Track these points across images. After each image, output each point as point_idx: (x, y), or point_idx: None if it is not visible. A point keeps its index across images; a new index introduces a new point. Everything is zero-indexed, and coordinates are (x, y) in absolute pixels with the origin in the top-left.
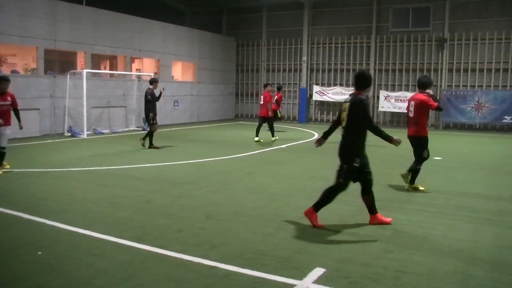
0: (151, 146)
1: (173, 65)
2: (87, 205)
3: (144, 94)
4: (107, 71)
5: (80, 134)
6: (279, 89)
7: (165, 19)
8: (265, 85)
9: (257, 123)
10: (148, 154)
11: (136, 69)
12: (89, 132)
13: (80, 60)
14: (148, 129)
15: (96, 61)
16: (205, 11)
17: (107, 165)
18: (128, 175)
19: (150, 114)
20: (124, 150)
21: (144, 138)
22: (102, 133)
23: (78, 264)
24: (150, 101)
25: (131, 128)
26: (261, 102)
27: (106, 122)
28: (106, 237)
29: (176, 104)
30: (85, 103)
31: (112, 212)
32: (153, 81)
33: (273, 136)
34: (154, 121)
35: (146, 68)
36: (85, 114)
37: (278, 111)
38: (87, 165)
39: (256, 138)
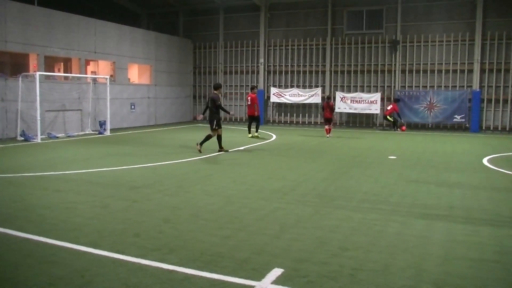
0: (221, 149)
1: (129, 68)
2: (41, 211)
3: (209, 99)
4: (61, 74)
5: (34, 138)
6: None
7: (120, 21)
8: (252, 88)
9: None
10: (103, 158)
11: (92, 72)
12: (43, 136)
13: (33, 62)
14: (207, 134)
15: (49, 63)
16: (161, 13)
17: (62, 170)
18: (84, 180)
19: (215, 119)
20: (80, 154)
21: (201, 144)
22: (57, 137)
23: (32, 272)
24: (219, 106)
25: (87, 132)
26: (249, 103)
27: (61, 126)
28: (61, 243)
29: (133, 107)
30: (38, 107)
31: (67, 218)
32: (219, 87)
33: (257, 131)
34: (217, 127)
35: (101, 70)
36: (38, 117)
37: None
38: (41, 170)
39: (250, 135)
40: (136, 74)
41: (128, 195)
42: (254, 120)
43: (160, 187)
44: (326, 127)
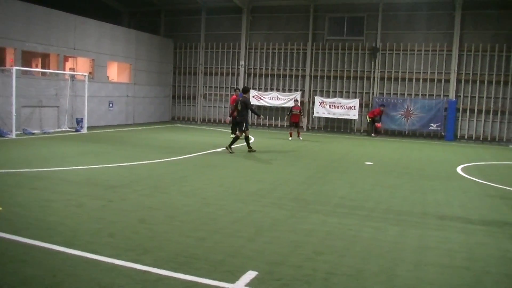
0: (250, 150)
1: (109, 66)
2: (14, 209)
3: (240, 102)
4: (39, 69)
5: (9, 134)
6: (236, 90)
7: (101, 18)
8: (236, 89)
9: (193, 126)
10: (80, 156)
11: (70, 68)
12: (18, 132)
13: (10, 56)
14: (235, 135)
15: (27, 58)
16: (143, 12)
17: (37, 167)
18: (59, 178)
19: (245, 121)
20: (56, 151)
21: (230, 146)
22: (33, 134)
23: (3, 271)
24: (252, 109)
25: (64, 129)
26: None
27: (37, 122)
28: (34, 242)
29: (111, 105)
30: (14, 102)
31: (41, 217)
32: (248, 90)
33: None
34: (246, 128)
35: (80, 67)
36: (14, 113)
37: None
38: (15, 167)
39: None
40: (115, 72)
41: (103, 194)
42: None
43: (136, 187)
44: (291, 130)
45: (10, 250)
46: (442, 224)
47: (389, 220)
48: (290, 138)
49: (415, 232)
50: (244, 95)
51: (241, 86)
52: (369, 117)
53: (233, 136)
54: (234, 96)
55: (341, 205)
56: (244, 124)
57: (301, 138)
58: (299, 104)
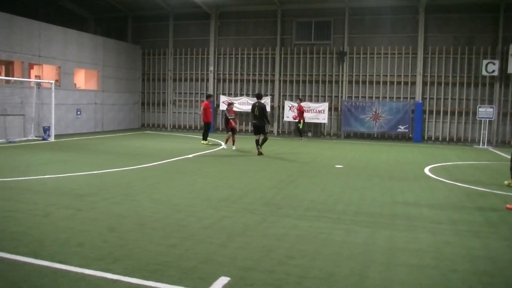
0: (259, 153)
1: (76, 73)
2: None
3: (258, 108)
4: (2, 77)
5: None
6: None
7: (67, 24)
8: (207, 96)
9: (163, 133)
10: (46, 165)
11: (36, 76)
12: None
13: None
14: (263, 138)
15: None
16: (109, 18)
17: (1, 177)
18: (24, 188)
19: (265, 125)
20: (21, 161)
21: (260, 146)
22: None
23: None
24: (266, 115)
25: (30, 138)
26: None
27: (2, 131)
28: None
29: (79, 113)
30: None
31: (5, 227)
32: (262, 96)
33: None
34: (265, 132)
35: (46, 75)
36: None
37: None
38: None
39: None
40: (82, 79)
41: (71, 203)
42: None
43: (105, 195)
44: (228, 136)
45: None
46: (411, 224)
47: (360, 222)
48: (224, 146)
49: (385, 233)
50: (260, 100)
51: (211, 92)
52: (295, 119)
53: (204, 142)
54: (206, 102)
55: (312, 208)
56: (268, 126)
57: (234, 148)
58: (234, 108)
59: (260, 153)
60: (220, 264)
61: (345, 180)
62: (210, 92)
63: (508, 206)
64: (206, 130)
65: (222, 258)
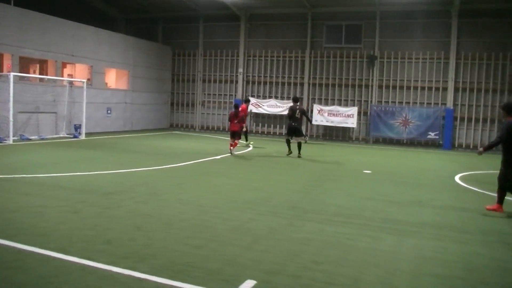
0: (295, 155)
1: (107, 72)
2: (8, 215)
3: (300, 111)
4: (36, 75)
5: (5, 140)
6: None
7: (99, 25)
8: (246, 100)
9: (191, 134)
10: (76, 163)
11: (68, 75)
12: (15, 138)
13: (7, 62)
14: (298, 142)
15: (24, 64)
16: (140, 19)
17: (32, 173)
18: (55, 184)
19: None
20: (52, 157)
21: (299, 152)
22: (30, 139)
23: None
24: (307, 116)
25: (61, 135)
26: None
27: (34, 128)
28: (28, 248)
29: (109, 111)
30: (11, 108)
31: (35, 223)
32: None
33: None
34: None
35: (78, 74)
36: (11, 118)
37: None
38: (11, 172)
39: (246, 142)
40: (113, 78)
41: (99, 201)
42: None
43: (132, 194)
44: (231, 141)
45: (2, 256)
46: (439, 233)
47: (387, 230)
48: (232, 152)
49: (412, 242)
50: (298, 104)
51: (239, 94)
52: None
53: (245, 143)
54: (244, 106)
55: (339, 214)
56: (301, 131)
57: (232, 153)
58: (240, 109)
59: (299, 156)
60: (245, 267)
61: (373, 186)
62: (238, 93)
63: (488, 207)
64: (245, 132)
65: (247, 261)
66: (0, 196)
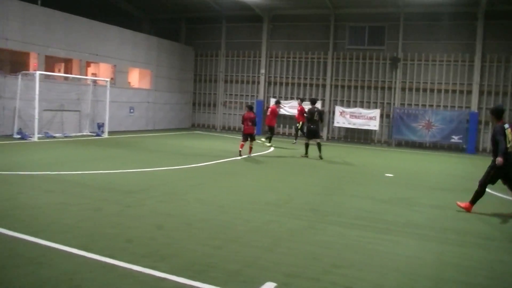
0: (305, 155)
1: (130, 72)
2: (32, 211)
3: (318, 112)
4: (61, 74)
5: (30, 137)
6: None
7: (122, 24)
8: (276, 101)
9: (213, 134)
10: (99, 161)
11: (92, 74)
12: (40, 135)
13: (33, 61)
14: (317, 143)
15: (49, 63)
16: (164, 19)
17: (56, 170)
18: (77, 182)
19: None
20: (75, 155)
21: (320, 153)
22: (54, 137)
23: (18, 273)
24: (323, 118)
25: (85, 133)
26: (268, 114)
27: (59, 125)
28: (50, 244)
29: (131, 110)
30: (37, 106)
31: (59, 219)
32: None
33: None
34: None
35: (102, 73)
36: (36, 116)
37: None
38: (35, 169)
39: (268, 144)
40: (136, 78)
41: (121, 199)
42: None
43: (154, 193)
44: (243, 143)
45: (27, 251)
46: (462, 239)
47: (408, 234)
48: (243, 155)
49: (434, 247)
50: (315, 106)
51: (261, 95)
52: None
53: (266, 144)
54: (274, 107)
55: (360, 217)
56: (318, 133)
57: (251, 155)
58: (254, 110)
59: (320, 157)
60: (265, 269)
61: (395, 189)
62: (260, 94)
63: (459, 203)
64: (271, 132)
65: (267, 263)
66: (24, 193)
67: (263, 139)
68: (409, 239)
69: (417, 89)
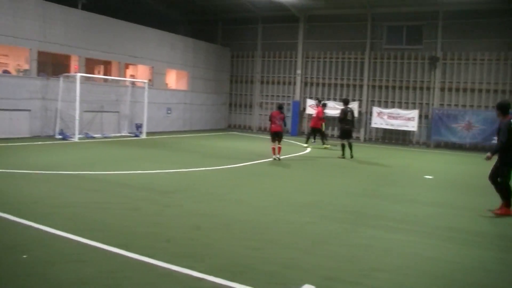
0: (345, 156)
1: (167, 73)
2: (75, 210)
3: (350, 112)
4: (101, 76)
5: (71, 137)
6: (323, 104)
7: (159, 26)
8: (320, 101)
9: (249, 135)
10: (137, 161)
11: (131, 75)
12: (80, 136)
13: (74, 63)
14: (349, 143)
15: (89, 65)
16: (200, 21)
17: (97, 170)
18: (117, 182)
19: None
20: (115, 155)
21: (352, 152)
22: (94, 137)
23: (62, 270)
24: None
25: (123, 134)
26: (314, 116)
27: (98, 126)
28: (92, 243)
29: (169, 111)
30: (78, 107)
31: (100, 218)
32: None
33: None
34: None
35: (140, 74)
36: (77, 117)
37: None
38: (77, 169)
39: (305, 145)
40: (173, 79)
41: (160, 199)
42: (316, 132)
43: (191, 193)
44: (273, 145)
45: (69, 249)
46: (504, 245)
47: (451, 239)
48: (274, 157)
49: (477, 253)
50: (348, 106)
51: (297, 96)
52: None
53: (322, 146)
54: (319, 109)
55: (399, 220)
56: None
57: (279, 157)
58: (283, 110)
59: (352, 156)
60: (304, 271)
61: (436, 192)
62: (296, 95)
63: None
64: (314, 133)
65: (306, 265)
66: (67, 191)
67: (325, 146)
68: (452, 244)
69: (457, 89)
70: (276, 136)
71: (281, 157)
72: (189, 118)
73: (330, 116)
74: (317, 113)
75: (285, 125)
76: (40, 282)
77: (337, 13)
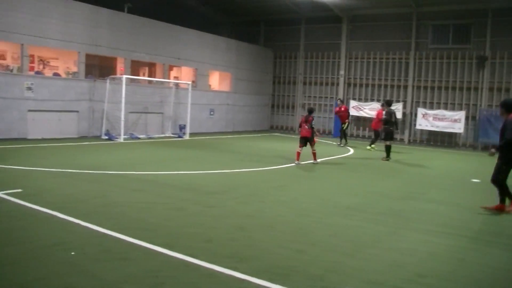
0: (387, 158)
1: (210, 74)
2: (120, 209)
3: (393, 113)
4: (146, 78)
5: (117, 138)
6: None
7: (202, 28)
8: (382, 104)
9: (291, 136)
10: (181, 162)
11: (174, 77)
12: (125, 136)
13: (120, 65)
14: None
15: (134, 67)
16: (243, 22)
17: (141, 170)
18: (161, 182)
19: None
20: (159, 156)
21: (388, 156)
22: (138, 138)
23: (107, 267)
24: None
25: (167, 135)
26: (374, 117)
27: (143, 127)
28: (137, 241)
29: (212, 112)
30: (123, 108)
31: (144, 218)
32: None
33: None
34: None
35: (184, 76)
36: (122, 118)
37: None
38: (122, 169)
39: (368, 147)
40: (216, 81)
41: (202, 199)
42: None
43: (234, 194)
44: (299, 149)
45: (114, 247)
46: None
47: (499, 245)
48: (297, 162)
49: None
50: (391, 107)
51: (340, 97)
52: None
53: (369, 147)
54: (380, 110)
55: (445, 224)
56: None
57: (317, 161)
58: (313, 114)
59: (386, 159)
60: (347, 275)
61: (483, 196)
62: (339, 95)
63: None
64: (376, 136)
65: (349, 269)
66: (112, 191)
67: (368, 147)
68: (500, 250)
69: (507, 89)
70: (305, 140)
71: (323, 159)
72: (232, 119)
73: (360, 117)
74: (377, 115)
75: (311, 128)
76: (86, 279)
77: (381, 13)
